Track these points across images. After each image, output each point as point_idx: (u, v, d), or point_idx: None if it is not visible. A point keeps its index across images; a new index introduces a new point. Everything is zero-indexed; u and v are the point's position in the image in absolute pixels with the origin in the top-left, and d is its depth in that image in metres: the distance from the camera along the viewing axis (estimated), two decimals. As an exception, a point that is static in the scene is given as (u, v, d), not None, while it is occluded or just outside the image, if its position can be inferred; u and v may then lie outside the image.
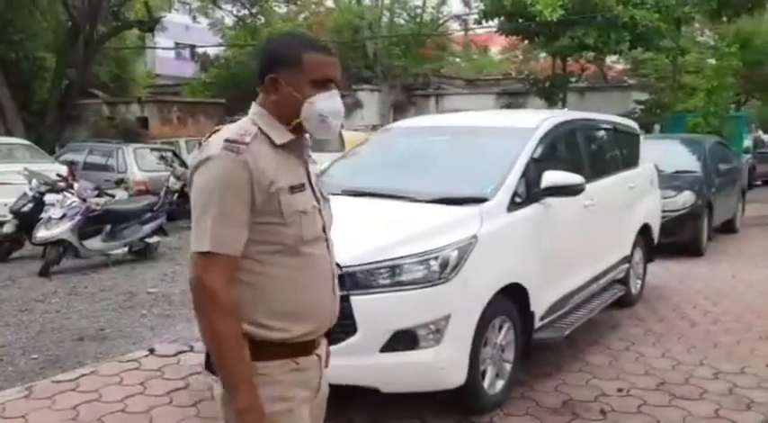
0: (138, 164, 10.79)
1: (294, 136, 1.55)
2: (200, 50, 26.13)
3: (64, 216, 6.86)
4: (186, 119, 18.95)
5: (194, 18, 22.21)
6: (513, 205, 3.59)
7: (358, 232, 3.12)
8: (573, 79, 19.26)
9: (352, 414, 3.27)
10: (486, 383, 3.33)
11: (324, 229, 1.61)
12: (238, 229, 1.45)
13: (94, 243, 7.23)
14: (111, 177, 9.86)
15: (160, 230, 7.81)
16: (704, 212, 7.72)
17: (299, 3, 22.73)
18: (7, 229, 7.43)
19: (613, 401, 3.50)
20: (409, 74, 21.99)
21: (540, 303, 3.72)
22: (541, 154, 3.95)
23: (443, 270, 3.05)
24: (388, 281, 3.02)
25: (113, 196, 8.01)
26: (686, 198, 7.54)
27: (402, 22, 22.79)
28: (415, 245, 3.10)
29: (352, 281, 2.92)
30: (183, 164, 10.58)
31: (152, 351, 4.31)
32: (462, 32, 25.38)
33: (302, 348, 1.57)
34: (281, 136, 1.53)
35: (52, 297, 5.93)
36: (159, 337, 4.71)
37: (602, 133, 5.11)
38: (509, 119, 4.70)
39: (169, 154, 11.56)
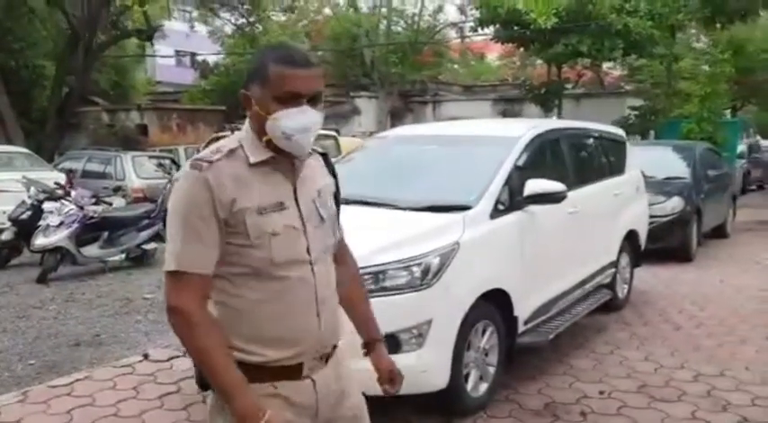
0: (137, 171, 10.92)
1: (272, 153, 1.47)
2: (199, 58, 26.31)
3: (61, 223, 6.97)
4: (185, 126, 19.08)
5: (192, 27, 22.38)
6: (497, 212, 3.70)
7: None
8: (570, 86, 19.44)
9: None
10: (469, 386, 3.42)
11: (308, 251, 1.50)
12: (205, 248, 1.41)
13: (92, 250, 7.34)
14: (109, 185, 9.94)
15: (157, 237, 7.89)
16: (693, 218, 7.82)
17: (296, 11, 22.90)
18: (6, 236, 7.54)
19: (594, 403, 3.58)
20: (406, 81, 22.17)
21: (523, 308, 3.81)
22: (525, 162, 4.05)
23: (425, 276, 3.15)
24: (372, 286, 3.11)
25: (110, 204, 8.12)
26: (675, 204, 7.64)
27: (399, 29, 22.98)
28: (398, 251, 3.20)
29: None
30: (181, 171, 10.66)
31: (146, 356, 4.40)
32: (459, 40, 25.55)
33: (283, 373, 1.50)
34: (257, 153, 1.47)
35: (49, 303, 6.03)
36: (153, 342, 4.81)
37: (587, 142, 5.22)
38: (495, 128, 4.80)
39: (167, 161, 11.68)
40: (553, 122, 5.04)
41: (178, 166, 11.49)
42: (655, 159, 8.28)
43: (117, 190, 9.26)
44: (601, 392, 3.74)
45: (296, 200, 1.50)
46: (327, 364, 1.59)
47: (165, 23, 21.95)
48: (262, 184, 1.46)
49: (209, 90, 23.56)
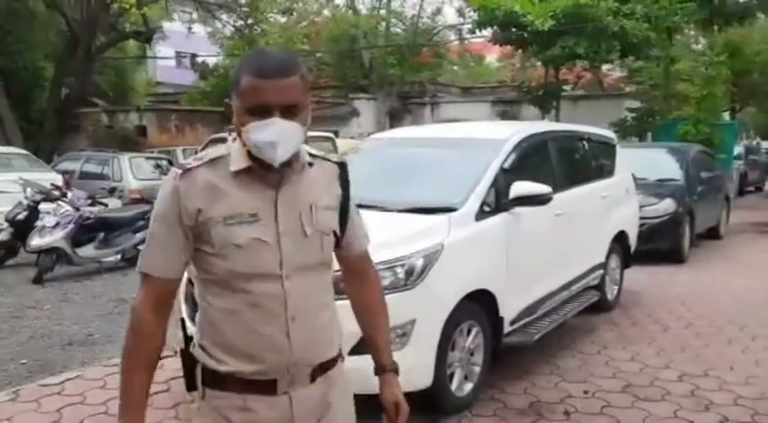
0: (134, 172, 10.96)
1: (251, 163, 1.41)
2: (199, 60, 26.38)
3: (57, 224, 7.03)
4: (184, 127, 19.13)
5: (190, 29, 22.45)
6: (482, 214, 3.74)
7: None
8: (568, 87, 19.47)
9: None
10: (453, 386, 3.46)
11: (281, 266, 1.42)
12: (166, 253, 1.42)
13: (87, 251, 7.39)
14: (107, 186, 10.02)
15: (152, 238, 7.94)
16: (685, 220, 7.87)
17: (295, 13, 22.96)
18: (2, 237, 7.60)
19: (578, 403, 3.63)
20: (405, 82, 22.24)
21: (509, 309, 3.85)
22: (512, 165, 4.10)
23: (409, 277, 3.19)
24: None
25: (106, 205, 8.17)
26: (667, 205, 7.69)
27: (398, 31, 23.06)
28: (383, 253, 3.22)
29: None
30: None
31: (137, 356, 4.44)
32: (457, 41, 25.62)
33: (255, 387, 1.44)
34: (238, 162, 1.42)
35: (44, 303, 6.08)
36: (146, 342, 4.84)
37: (575, 144, 5.27)
38: (483, 131, 4.84)
39: (164, 162, 11.73)
40: (542, 125, 5.09)
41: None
42: (648, 161, 8.34)
43: (112, 191, 9.32)
44: (585, 392, 3.78)
45: (275, 211, 1.43)
46: (314, 382, 1.50)
47: (167, 25, 22.05)
48: (239, 192, 1.42)
49: (208, 91, 23.61)
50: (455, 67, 30.84)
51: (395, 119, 21.29)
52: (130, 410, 1.46)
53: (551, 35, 14.47)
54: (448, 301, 3.32)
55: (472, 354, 3.61)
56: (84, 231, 7.38)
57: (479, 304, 3.60)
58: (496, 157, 4.01)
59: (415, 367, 3.19)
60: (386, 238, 3.38)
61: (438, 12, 22.99)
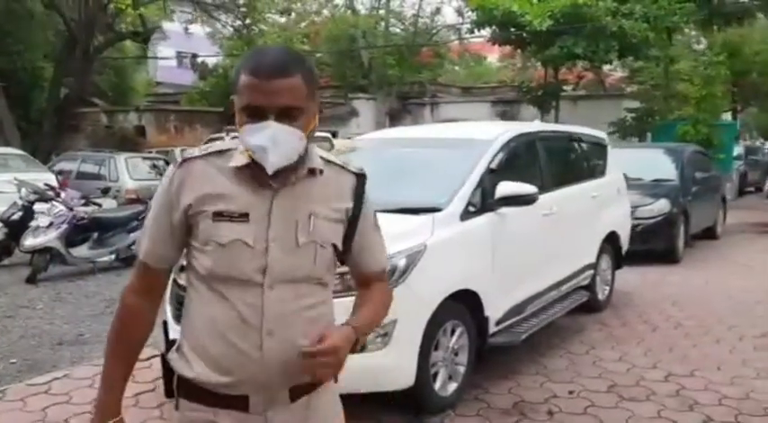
0: (130, 172, 10.98)
1: (248, 160, 1.34)
2: (198, 60, 26.40)
3: (51, 224, 7.05)
4: (183, 128, 19.17)
5: (186, 29, 22.49)
6: (467, 214, 3.74)
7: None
8: (568, 87, 19.44)
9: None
10: (437, 385, 3.46)
11: (264, 273, 1.34)
12: (156, 240, 1.41)
13: (81, 251, 7.40)
14: (102, 186, 10.03)
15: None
16: (680, 220, 7.86)
17: (293, 14, 22.99)
18: (-3, 237, 7.63)
19: (562, 403, 3.62)
20: (404, 82, 22.23)
21: (495, 309, 3.85)
22: (499, 165, 4.10)
23: (391, 277, 3.19)
24: (339, 287, 3.15)
25: (100, 205, 8.18)
26: (662, 205, 7.69)
27: (398, 31, 23.05)
28: (365, 252, 3.24)
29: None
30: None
31: (126, 355, 4.45)
32: (457, 41, 25.60)
33: (224, 401, 1.37)
34: (239, 159, 1.36)
35: (37, 303, 6.10)
36: (135, 341, 4.85)
37: (564, 144, 5.26)
38: (470, 131, 4.84)
39: (161, 162, 11.75)
40: (531, 125, 5.08)
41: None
42: (643, 162, 8.35)
43: (106, 191, 9.31)
44: (570, 392, 3.78)
45: (269, 215, 1.35)
46: (295, 403, 1.41)
47: (167, 25, 22.07)
48: (235, 190, 1.35)
49: (207, 92, 23.65)
50: (456, 68, 30.83)
51: (394, 119, 21.28)
52: (105, 390, 1.45)
53: (549, 35, 14.47)
54: (430, 301, 3.32)
55: (456, 354, 3.61)
56: (79, 231, 7.39)
57: (464, 304, 3.60)
58: (483, 158, 4.01)
59: (397, 367, 3.20)
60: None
61: (437, 12, 22.99)
